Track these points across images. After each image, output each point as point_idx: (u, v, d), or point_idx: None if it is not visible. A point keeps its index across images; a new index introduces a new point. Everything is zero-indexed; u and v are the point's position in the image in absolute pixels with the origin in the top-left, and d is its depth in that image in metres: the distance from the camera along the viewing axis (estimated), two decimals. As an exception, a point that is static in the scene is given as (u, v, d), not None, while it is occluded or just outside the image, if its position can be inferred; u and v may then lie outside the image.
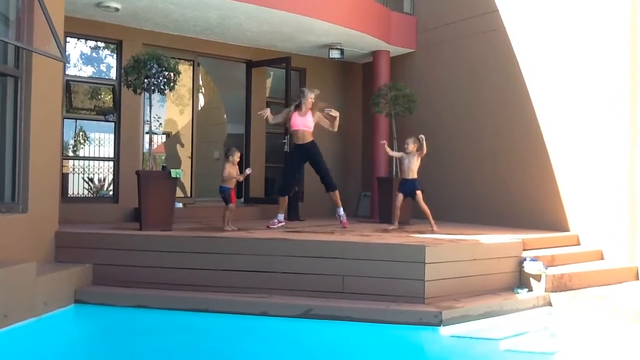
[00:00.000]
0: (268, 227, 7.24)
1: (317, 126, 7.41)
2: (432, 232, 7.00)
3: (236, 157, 6.81)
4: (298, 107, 7.25)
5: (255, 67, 9.62)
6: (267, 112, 7.29)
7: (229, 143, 11.40)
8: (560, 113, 7.65)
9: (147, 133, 7.65)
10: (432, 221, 7.20)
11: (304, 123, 7.22)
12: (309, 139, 7.29)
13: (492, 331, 5.15)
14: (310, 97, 7.20)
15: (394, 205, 7.51)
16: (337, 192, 7.39)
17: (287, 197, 7.47)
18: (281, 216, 7.39)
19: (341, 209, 7.45)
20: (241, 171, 7.31)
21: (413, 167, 7.39)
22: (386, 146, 7.87)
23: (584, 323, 5.55)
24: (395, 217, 7.48)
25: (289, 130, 7.44)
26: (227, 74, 11.21)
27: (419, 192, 7.32)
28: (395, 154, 7.86)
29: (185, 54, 9.03)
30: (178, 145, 11.44)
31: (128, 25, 8.21)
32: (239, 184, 7.52)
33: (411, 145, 7.40)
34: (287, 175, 7.52)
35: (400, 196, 7.45)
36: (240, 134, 10.05)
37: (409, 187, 7.39)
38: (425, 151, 7.30)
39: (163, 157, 12.12)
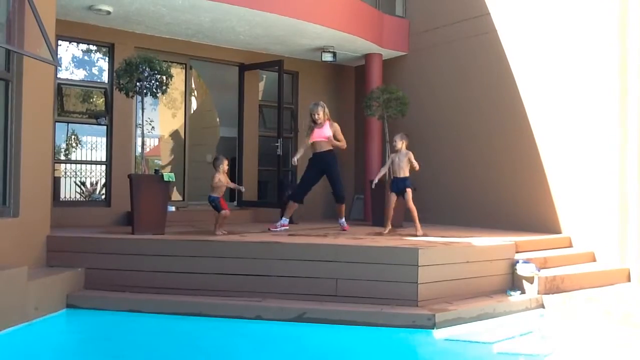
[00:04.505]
0: (269, 229, 7.30)
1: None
2: (416, 235, 6.86)
3: (224, 165, 6.80)
4: (314, 122, 7.42)
5: (248, 70, 9.61)
6: (299, 154, 7.63)
7: (222, 146, 11.41)
8: (551, 116, 7.70)
9: (139, 136, 7.62)
10: (418, 224, 7.04)
11: (320, 134, 7.43)
12: (325, 148, 7.45)
13: (485, 334, 5.17)
14: (317, 111, 7.34)
15: (388, 206, 7.40)
16: (343, 205, 7.65)
17: (296, 203, 7.57)
18: (286, 220, 7.56)
19: (343, 219, 7.69)
20: (232, 178, 7.29)
21: (404, 165, 7.26)
22: (375, 179, 7.74)
23: (576, 325, 5.57)
24: (388, 218, 7.35)
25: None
26: (219, 77, 11.20)
27: (409, 190, 7.21)
28: (384, 169, 7.67)
29: (177, 57, 9.02)
30: (170, 149, 11.41)
31: (120, 28, 8.18)
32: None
33: (399, 143, 7.32)
34: (302, 183, 7.68)
35: (394, 196, 7.34)
36: (232, 137, 10.03)
37: (400, 186, 7.27)
38: (417, 168, 7.22)
39: (156, 161, 12.08)
